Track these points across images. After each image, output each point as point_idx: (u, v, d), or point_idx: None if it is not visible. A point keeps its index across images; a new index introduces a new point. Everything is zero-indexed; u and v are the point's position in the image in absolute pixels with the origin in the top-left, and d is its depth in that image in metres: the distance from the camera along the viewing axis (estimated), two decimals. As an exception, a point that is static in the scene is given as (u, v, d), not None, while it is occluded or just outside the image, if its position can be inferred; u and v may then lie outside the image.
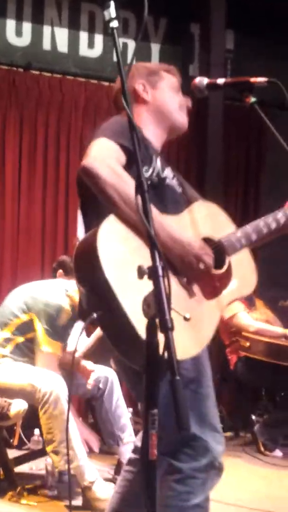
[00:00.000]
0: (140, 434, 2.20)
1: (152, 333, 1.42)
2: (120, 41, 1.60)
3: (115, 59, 1.62)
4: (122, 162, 1.88)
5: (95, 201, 1.94)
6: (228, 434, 5.25)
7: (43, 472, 3.65)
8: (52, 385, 3.47)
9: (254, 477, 4.17)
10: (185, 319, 1.78)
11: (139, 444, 2.17)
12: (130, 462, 2.19)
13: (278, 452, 4.71)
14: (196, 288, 1.93)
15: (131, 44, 6.03)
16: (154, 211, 1.82)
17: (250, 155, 6.51)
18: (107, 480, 3.79)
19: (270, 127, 1.97)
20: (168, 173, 2.10)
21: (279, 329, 4.95)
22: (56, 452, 3.40)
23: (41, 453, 3.81)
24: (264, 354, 4.73)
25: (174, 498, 1.93)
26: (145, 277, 1.42)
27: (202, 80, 2.14)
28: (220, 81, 2.12)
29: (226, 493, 3.61)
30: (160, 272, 1.40)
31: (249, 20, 6.43)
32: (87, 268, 1.82)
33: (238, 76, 2.15)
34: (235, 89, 2.09)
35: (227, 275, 2.03)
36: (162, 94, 2.18)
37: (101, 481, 3.38)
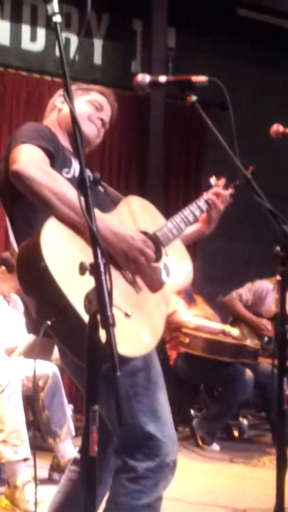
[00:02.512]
0: None
1: (93, 329, 1.43)
2: (63, 35, 1.59)
3: (57, 53, 1.61)
4: (47, 164, 1.90)
5: (21, 206, 1.95)
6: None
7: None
8: (8, 377, 3.49)
9: (192, 471, 4.22)
10: (126, 315, 1.80)
11: None
12: (75, 461, 2.18)
13: (215, 446, 4.78)
14: (141, 283, 1.95)
15: (74, 39, 6.00)
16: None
17: (191, 153, 6.58)
18: (44, 479, 3.78)
19: (210, 125, 1.99)
20: (89, 173, 2.12)
21: (217, 325, 5.02)
22: (4, 442, 3.38)
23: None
24: (203, 350, 4.79)
25: (125, 496, 1.94)
26: (87, 273, 1.42)
27: (144, 77, 2.14)
28: (162, 79, 2.13)
29: (165, 487, 3.65)
30: (102, 268, 1.41)
31: (190, 18, 6.49)
32: (34, 276, 1.78)
33: (179, 74, 2.16)
34: (176, 87, 2.10)
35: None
36: (76, 104, 2.19)
37: (32, 484, 3.37)
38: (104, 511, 2.01)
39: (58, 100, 2.24)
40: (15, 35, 5.81)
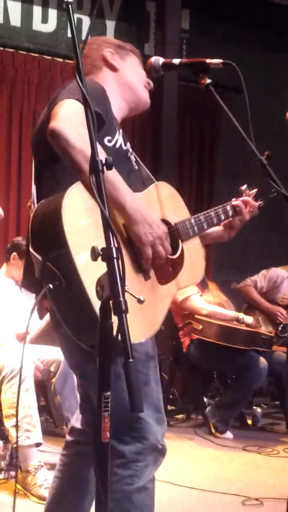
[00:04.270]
0: (77, 415, 2.18)
1: (105, 315, 1.39)
2: (75, 16, 1.54)
3: (69, 35, 1.57)
4: None
5: (53, 165, 1.89)
6: (180, 416, 5.28)
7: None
8: (21, 361, 3.48)
9: (205, 459, 4.20)
10: (139, 301, 1.75)
11: (76, 425, 2.14)
12: (67, 445, 2.17)
13: (229, 434, 4.76)
14: (151, 272, 1.90)
15: (86, 20, 5.95)
16: (124, 184, 1.79)
17: (204, 136, 6.52)
18: (55, 464, 3.77)
19: (224, 108, 1.95)
20: (129, 147, 2.06)
21: (231, 312, 4.98)
22: (16, 427, 3.38)
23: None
24: (216, 337, 4.75)
25: (117, 483, 1.91)
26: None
27: (157, 60, 2.11)
28: (176, 61, 2.09)
29: (178, 474, 3.64)
30: (115, 253, 1.37)
31: (205, 0, 6.39)
32: (47, 234, 1.73)
33: (193, 56, 2.12)
34: (190, 70, 2.06)
35: (180, 261, 2.02)
36: (130, 67, 2.13)
37: (45, 469, 3.37)
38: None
39: (108, 54, 2.10)
40: (27, 17, 5.75)
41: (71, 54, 1.53)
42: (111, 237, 1.39)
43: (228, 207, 2.22)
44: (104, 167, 1.46)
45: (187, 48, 6.42)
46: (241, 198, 2.26)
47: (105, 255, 1.37)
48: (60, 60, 5.72)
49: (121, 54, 2.14)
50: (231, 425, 4.86)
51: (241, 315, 4.93)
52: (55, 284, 1.68)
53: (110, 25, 6.11)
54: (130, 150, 2.07)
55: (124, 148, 2.01)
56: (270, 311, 5.35)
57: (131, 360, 1.30)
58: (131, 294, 1.55)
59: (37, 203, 1.90)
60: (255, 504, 3.33)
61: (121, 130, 2.03)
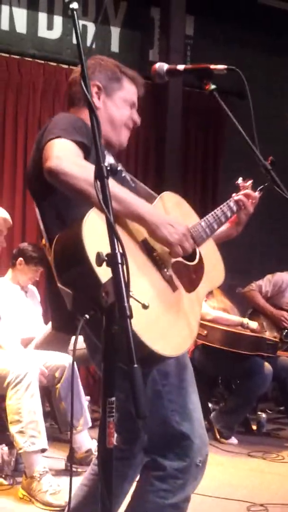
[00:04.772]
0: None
1: (110, 320, 1.40)
2: (80, 23, 1.56)
3: (74, 41, 1.58)
4: (81, 157, 1.86)
5: (53, 199, 1.92)
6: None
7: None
8: (25, 368, 3.49)
9: (210, 465, 4.07)
10: (144, 307, 1.76)
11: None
12: None
13: (233, 440, 4.75)
14: (177, 281, 1.92)
15: (91, 27, 5.97)
16: (134, 196, 1.83)
17: (208, 142, 6.53)
18: (60, 470, 3.77)
19: (229, 114, 1.96)
20: (121, 167, 2.09)
21: (236, 317, 4.98)
22: (22, 433, 3.38)
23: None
24: (221, 342, 4.75)
25: (152, 494, 1.93)
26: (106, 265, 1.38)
27: (162, 66, 2.12)
28: (180, 67, 2.10)
29: (182, 480, 3.63)
30: (119, 259, 1.38)
31: (209, 6, 6.42)
32: (73, 267, 1.74)
33: (198, 62, 2.13)
34: (194, 76, 2.07)
35: (200, 266, 2.04)
36: (113, 106, 2.11)
37: (50, 475, 3.36)
38: (129, 505, 1.99)
39: (92, 91, 2.07)
40: (32, 23, 5.77)
41: (76, 61, 1.53)
42: (115, 242, 1.40)
43: (232, 203, 2.25)
44: (109, 173, 1.48)
45: (192, 54, 6.43)
46: (241, 192, 2.29)
47: (110, 260, 1.38)
48: (65, 66, 5.74)
49: (109, 89, 2.09)
50: (236, 430, 4.85)
51: (245, 321, 4.93)
52: (91, 314, 1.68)
53: (115, 31, 6.12)
54: (124, 170, 2.09)
55: (118, 169, 2.03)
56: (274, 316, 5.34)
57: (135, 365, 1.31)
58: (135, 299, 1.55)
59: (47, 239, 1.94)
60: (260, 510, 3.32)
61: (110, 153, 2.06)
